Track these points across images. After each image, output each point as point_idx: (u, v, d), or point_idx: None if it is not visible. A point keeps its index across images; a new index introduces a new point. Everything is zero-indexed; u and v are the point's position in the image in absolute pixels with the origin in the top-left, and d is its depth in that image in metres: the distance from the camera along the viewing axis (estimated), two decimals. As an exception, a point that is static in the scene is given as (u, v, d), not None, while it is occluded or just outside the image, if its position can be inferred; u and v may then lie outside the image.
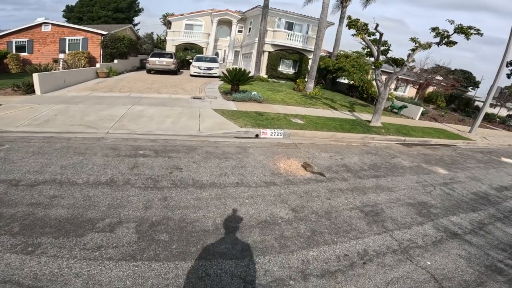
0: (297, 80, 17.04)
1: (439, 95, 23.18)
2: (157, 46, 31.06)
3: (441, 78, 24.25)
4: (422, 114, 15.02)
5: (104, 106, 7.71)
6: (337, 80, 21.17)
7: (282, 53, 20.60)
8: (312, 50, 18.68)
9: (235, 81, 11.00)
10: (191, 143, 5.72)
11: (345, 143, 7.71)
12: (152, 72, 16.83)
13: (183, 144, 5.59)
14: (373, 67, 9.98)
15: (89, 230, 2.75)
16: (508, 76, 27.46)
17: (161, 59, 16.58)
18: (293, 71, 21.59)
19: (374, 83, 18.77)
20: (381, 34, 8.84)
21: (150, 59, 16.53)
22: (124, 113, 7.23)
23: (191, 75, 16.76)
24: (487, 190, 5.87)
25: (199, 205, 3.41)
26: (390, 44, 9.53)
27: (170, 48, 23.93)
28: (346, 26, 9.08)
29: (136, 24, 38.85)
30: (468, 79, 35.22)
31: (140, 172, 4.10)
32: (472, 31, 8.40)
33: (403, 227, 3.73)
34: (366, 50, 9.90)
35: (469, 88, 35.12)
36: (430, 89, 25.09)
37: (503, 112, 26.40)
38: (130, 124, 6.49)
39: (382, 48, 9.35)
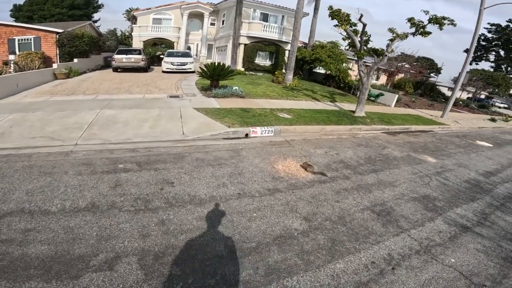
0: (276, 72, 16.76)
1: (407, 82, 24.41)
2: (122, 42, 28.85)
3: (409, 66, 25.58)
4: (396, 101, 15.56)
5: (68, 113, 6.76)
6: (313, 70, 21.25)
7: (258, 45, 20.13)
8: (288, 41, 18.56)
9: (215, 76, 10.39)
10: (177, 150, 5.17)
11: (335, 136, 7.61)
12: (119, 70, 15.54)
13: (169, 152, 5.03)
14: (356, 58, 9.94)
15: (84, 269, 2.24)
16: (470, 63, 29.51)
17: (129, 56, 15.30)
18: (270, 62, 21.25)
19: (350, 72, 19.39)
20: (364, 25, 8.77)
21: (116, 56, 15.18)
22: (93, 119, 6.39)
23: (164, 72, 15.71)
24: (476, 177, 6.05)
25: (203, 226, 2.97)
26: (370, 35, 9.54)
27: (137, 44, 22.25)
28: (329, 16, 8.88)
29: (96, 21, 35.79)
30: (431, 66, 37.48)
31: (125, 191, 3.53)
32: (446, 21, 8.62)
33: (417, 225, 3.60)
34: (347, 40, 9.83)
35: (432, 74, 37.42)
36: (399, 76, 26.35)
37: (463, 96, 28.45)
38: (102, 132, 5.72)
39: (364, 38, 9.31)
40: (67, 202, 3.17)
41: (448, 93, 32.05)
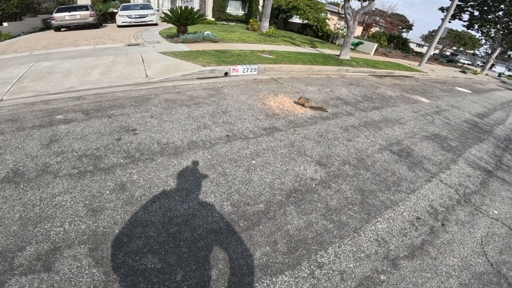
0: (250, 20, 14.98)
1: (382, 35, 23.89)
2: (63, 4, 23.80)
3: (384, 20, 25.05)
4: (375, 50, 15.05)
5: (-10, 70, 4.98)
6: (289, 20, 19.55)
7: (230, -7, 17.67)
8: (262, -11, 16.32)
9: (182, 20, 8.61)
10: (139, 93, 3.94)
11: (323, 75, 6.88)
12: (62, 29, 12.74)
13: (128, 96, 3.80)
14: (335, 9, 8.88)
15: (6, 273, 1.30)
16: (449, 21, 29.22)
17: (73, 12, 12.41)
18: (243, 12, 18.96)
19: (328, 22, 18.08)
20: None
21: (56, 14, 12.22)
22: (25, 73, 4.82)
23: (119, 26, 13.19)
24: (472, 118, 5.78)
25: (185, 185, 2.03)
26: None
27: (83, 2, 18.21)
28: None
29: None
30: (403, 22, 36.93)
31: (64, 148, 2.40)
32: None
33: (443, 168, 3.06)
34: None
35: (404, 30, 37.06)
36: (372, 30, 25.78)
37: (430, 51, 28.99)
38: (35, 84, 4.26)
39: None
40: (-37, 168, 2.01)
41: (416, 49, 32.83)
